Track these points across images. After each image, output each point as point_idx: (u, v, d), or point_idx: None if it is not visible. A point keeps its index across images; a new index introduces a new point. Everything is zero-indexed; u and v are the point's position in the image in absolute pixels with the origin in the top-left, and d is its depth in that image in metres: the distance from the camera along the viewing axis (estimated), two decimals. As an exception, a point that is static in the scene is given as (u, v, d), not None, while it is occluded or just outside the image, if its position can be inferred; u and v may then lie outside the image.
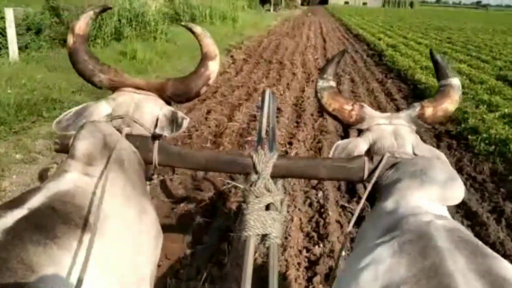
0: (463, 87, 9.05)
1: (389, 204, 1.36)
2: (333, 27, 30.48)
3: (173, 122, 1.63)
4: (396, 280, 1.02)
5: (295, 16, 41.62)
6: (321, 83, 1.69)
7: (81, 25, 1.66)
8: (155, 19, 12.49)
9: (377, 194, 1.49)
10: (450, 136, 6.54)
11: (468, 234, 1.19)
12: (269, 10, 46.76)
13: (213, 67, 1.66)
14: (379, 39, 19.42)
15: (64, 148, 1.51)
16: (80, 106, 1.61)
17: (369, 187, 1.46)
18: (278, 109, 7.38)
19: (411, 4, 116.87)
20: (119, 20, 12.19)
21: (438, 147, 6.00)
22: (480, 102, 7.89)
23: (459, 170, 5.34)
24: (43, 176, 4.49)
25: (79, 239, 1.12)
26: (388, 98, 9.14)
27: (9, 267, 0.93)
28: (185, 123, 1.61)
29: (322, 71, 1.73)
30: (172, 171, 4.71)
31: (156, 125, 1.61)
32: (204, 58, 1.65)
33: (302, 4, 76.29)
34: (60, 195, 1.22)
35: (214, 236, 3.72)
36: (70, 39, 1.66)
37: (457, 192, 1.36)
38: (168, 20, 17.29)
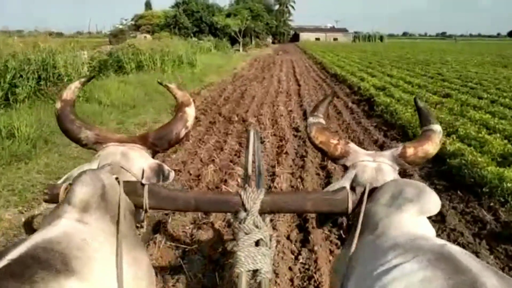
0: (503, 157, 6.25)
1: (377, 230, 1.38)
2: (306, 66, 27.80)
3: (160, 173, 1.68)
4: None
5: (265, 55, 39.07)
6: (311, 119, 1.78)
7: (68, 92, 1.80)
8: (67, 72, 9.15)
9: (359, 222, 1.48)
10: None
11: None
12: (238, 50, 44.55)
13: (190, 112, 1.79)
14: (362, 80, 16.53)
15: (54, 198, 1.52)
16: (65, 176, 1.65)
17: (360, 218, 1.47)
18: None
19: (381, 38, 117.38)
20: (21, 76, 8.85)
21: None
22: None
23: None
24: (29, 224, 3.26)
25: (60, 284, 1.08)
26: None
27: None
28: (172, 175, 1.70)
29: (313, 109, 1.83)
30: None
31: (143, 174, 1.64)
32: (181, 106, 1.80)
33: (273, 43, 74.66)
34: (44, 243, 1.18)
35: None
36: (58, 104, 1.78)
37: (433, 201, 1.41)
38: (111, 70, 14.15)
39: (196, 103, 11.86)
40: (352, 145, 1.73)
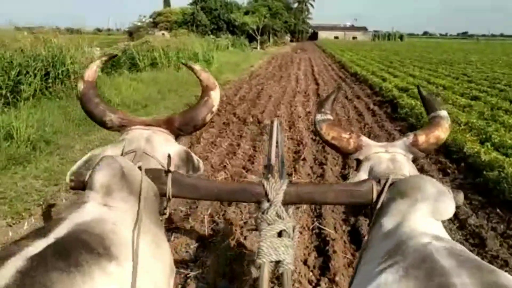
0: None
1: (386, 226, 1.38)
2: (325, 65, 27.16)
3: (189, 164, 1.71)
4: None
5: (283, 53, 38.51)
6: (319, 117, 1.75)
7: (90, 73, 1.78)
8: (74, 69, 8.74)
9: (375, 215, 1.49)
10: None
11: (468, 252, 1.21)
12: (256, 48, 44.06)
13: (215, 96, 1.77)
14: (383, 79, 15.87)
15: (79, 185, 1.49)
16: (87, 155, 1.62)
17: (376, 209, 1.47)
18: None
19: (401, 37, 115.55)
20: (28, 73, 8.46)
21: None
22: None
23: None
24: (48, 213, 4.12)
25: (102, 268, 1.12)
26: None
27: None
28: (202, 166, 1.75)
29: (319, 106, 1.80)
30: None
31: (169, 162, 1.59)
32: (205, 90, 1.78)
33: (291, 41, 73.89)
34: (83, 226, 1.22)
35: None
36: (81, 85, 1.76)
37: (448, 206, 1.37)
38: (124, 67, 13.79)
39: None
40: (364, 138, 1.71)
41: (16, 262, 0.99)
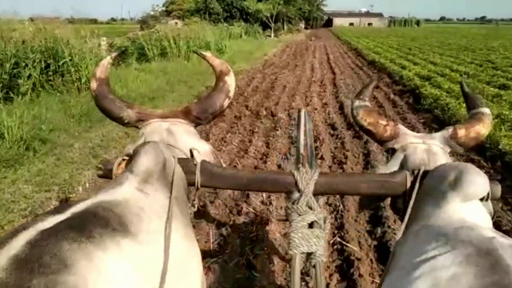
0: None
1: (423, 219, 1.32)
2: (341, 52, 26.35)
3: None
4: None
5: (297, 41, 37.71)
6: (357, 103, 1.72)
7: (101, 69, 1.75)
8: (73, 63, 8.23)
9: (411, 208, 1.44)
10: None
11: None
12: (270, 36, 43.29)
13: (230, 81, 1.74)
14: (403, 67, 15.13)
15: (107, 173, 1.52)
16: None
17: (411, 202, 1.41)
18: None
19: (418, 23, 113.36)
20: (27, 65, 7.98)
21: None
22: None
23: None
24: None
25: (116, 242, 1.06)
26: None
27: (41, 262, 0.89)
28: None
29: (358, 93, 1.78)
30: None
31: (191, 155, 1.62)
32: (220, 75, 1.74)
33: (306, 28, 72.77)
34: (104, 204, 1.17)
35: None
36: (94, 84, 1.73)
37: (478, 184, 1.28)
38: (131, 57, 13.31)
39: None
40: (401, 127, 1.66)
41: (27, 235, 0.96)
